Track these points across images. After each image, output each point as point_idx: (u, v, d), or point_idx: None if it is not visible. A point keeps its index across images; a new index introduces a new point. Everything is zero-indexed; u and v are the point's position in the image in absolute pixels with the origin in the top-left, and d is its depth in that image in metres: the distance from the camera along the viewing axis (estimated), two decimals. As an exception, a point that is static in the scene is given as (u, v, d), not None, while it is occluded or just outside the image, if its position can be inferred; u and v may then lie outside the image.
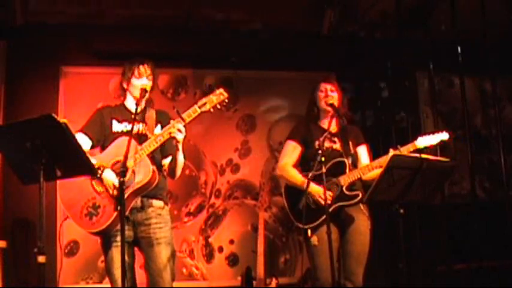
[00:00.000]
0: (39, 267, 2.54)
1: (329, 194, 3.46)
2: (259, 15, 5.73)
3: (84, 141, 3.19)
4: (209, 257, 5.62)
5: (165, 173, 3.33)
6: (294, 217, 3.61)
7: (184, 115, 3.13)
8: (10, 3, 5.19)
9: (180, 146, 3.18)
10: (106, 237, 3.15)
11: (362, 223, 3.62)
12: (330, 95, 3.71)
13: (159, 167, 3.27)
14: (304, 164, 3.69)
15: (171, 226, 3.31)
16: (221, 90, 3.20)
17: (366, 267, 3.58)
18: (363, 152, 3.77)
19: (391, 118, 5.65)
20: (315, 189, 3.47)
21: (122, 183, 2.85)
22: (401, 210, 3.25)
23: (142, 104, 3.34)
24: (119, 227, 2.89)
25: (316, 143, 3.56)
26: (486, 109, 6.27)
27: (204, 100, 3.18)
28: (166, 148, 3.25)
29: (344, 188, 3.55)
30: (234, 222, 5.73)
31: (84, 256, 5.28)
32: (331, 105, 3.65)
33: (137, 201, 3.16)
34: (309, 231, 3.52)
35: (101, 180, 3.10)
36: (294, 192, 3.61)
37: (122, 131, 3.28)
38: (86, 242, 5.14)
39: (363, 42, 5.93)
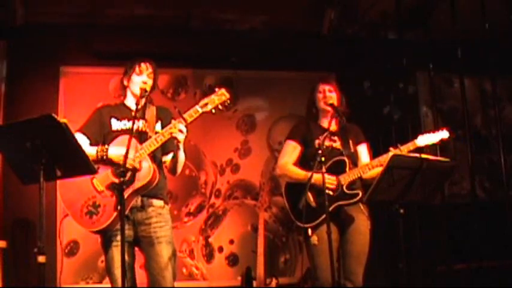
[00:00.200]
0: (39, 267, 2.54)
1: (333, 178, 3.46)
2: (259, 15, 5.73)
3: (83, 141, 3.18)
4: (209, 257, 5.62)
5: (166, 170, 3.33)
6: (294, 216, 3.61)
7: (185, 115, 3.13)
8: (10, 3, 5.19)
9: (181, 146, 3.18)
10: (106, 237, 3.15)
11: (362, 223, 3.62)
12: (328, 95, 3.71)
13: (160, 165, 3.28)
14: (304, 164, 3.68)
15: (171, 226, 3.31)
16: (223, 90, 3.19)
17: (365, 267, 3.58)
18: (363, 150, 3.78)
19: (391, 118, 5.65)
20: (319, 178, 3.39)
21: (121, 183, 2.85)
22: (401, 210, 3.26)
23: (142, 101, 3.33)
24: (119, 226, 2.89)
25: (317, 142, 3.56)
26: (486, 109, 6.27)
27: (205, 100, 3.17)
28: (167, 145, 3.24)
29: (344, 187, 3.55)
30: (234, 222, 5.74)
31: (84, 256, 5.28)
32: (331, 104, 3.65)
33: (137, 201, 3.16)
34: (309, 231, 3.52)
35: (108, 162, 3.09)
36: (295, 192, 3.61)
37: (122, 129, 3.28)
38: (86, 241, 5.14)
39: (363, 42, 5.93)
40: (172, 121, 3.14)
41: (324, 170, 3.30)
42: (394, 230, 3.38)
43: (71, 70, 5.57)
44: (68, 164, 2.68)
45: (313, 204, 3.55)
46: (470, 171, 5.11)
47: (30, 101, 5.24)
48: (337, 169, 3.58)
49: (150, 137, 3.17)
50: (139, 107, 3.26)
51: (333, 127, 3.68)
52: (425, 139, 3.59)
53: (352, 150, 3.70)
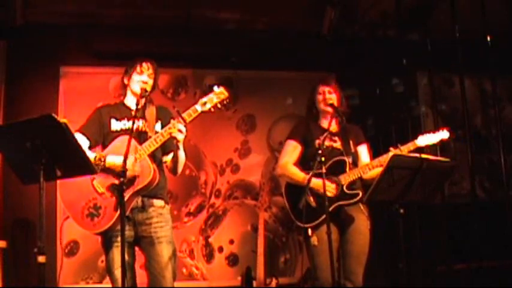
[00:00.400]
0: (39, 267, 2.54)
1: (332, 186, 3.47)
2: (259, 15, 5.73)
3: (82, 141, 3.18)
4: (209, 257, 5.62)
5: (166, 170, 3.33)
6: (294, 216, 3.62)
7: (184, 115, 3.13)
8: (10, 3, 5.19)
9: (180, 146, 3.18)
10: (107, 237, 3.15)
11: (362, 223, 3.63)
12: (328, 97, 3.72)
13: (160, 165, 3.28)
14: (304, 164, 3.69)
15: (171, 226, 3.31)
16: (221, 89, 3.19)
17: (366, 267, 3.58)
18: (363, 151, 3.78)
19: (391, 118, 5.65)
20: (318, 183, 3.44)
21: (122, 183, 2.85)
22: (401, 210, 3.26)
23: (142, 101, 3.33)
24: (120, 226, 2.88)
25: (317, 141, 3.57)
26: (486, 109, 6.27)
27: (204, 99, 3.17)
28: (167, 145, 3.24)
29: (344, 187, 3.55)
30: (234, 222, 5.73)
31: (84, 256, 5.28)
32: (331, 105, 3.66)
33: (138, 201, 3.16)
34: (309, 230, 3.52)
35: (106, 169, 3.08)
36: (295, 192, 3.61)
37: (121, 129, 3.28)
38: (86, 242, 5.14)
39: (363, 42, 5.92)
40: (172, 121, 3.14)
41: (323, 170, 3.30)
42: (394, 230, 3.39)
43: (71, 70, 5.57)
44: (68, 164, 2.68)
45: (313, 204, 3.55)
46: (470, 171, 5.10)
47: (30, 101, 5.24)
48: (337, 169, 3.58)
49: (150, 137, 3.17)
50: (139, 106, 3.26)
51: (334, 127, 3.69)
52: (425, 139, 3.60)
53: (353, 150, 3.71)
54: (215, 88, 3.20)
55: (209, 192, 5.74)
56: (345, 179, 3.57)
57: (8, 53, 5.40)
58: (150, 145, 3.12)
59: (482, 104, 6.29)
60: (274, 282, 4.98)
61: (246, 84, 5.91)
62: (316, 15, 5.72)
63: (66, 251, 5.23)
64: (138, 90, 3.27)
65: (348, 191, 3.55)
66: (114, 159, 3.08)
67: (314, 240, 3.52)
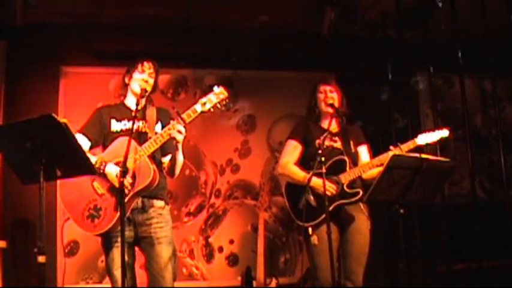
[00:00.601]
0: (39, 267, 2.54)
1: (332, 187, 3.47)
2: (259, 15, 5.73)
3: (83, 142, 3.18)
4: (209, 257, 5.62)
5: (164, 171, 3.33)
6: (295, 216, 3.62)
7: (184, 115, 3.13)
8: (10, 3, 5.19)
9: (179, 146, 3.17)
10: (107, 238, 3.15)
11: (362, 223, 3.63)
12: (329, 96, 3.73)
13: (159, 165, 3.27)
14: (304, 164, 3.69)
15: (171, 226, 3.31)
16: (221, 89, 3.19)
17: (366, 267, 3.58)
18: (363, 151, 3.79)
19: (391, 118, 5.65)
20: (318, 182, 3.45)
21: (122, 184, 2.85)
22: (401, 210, 3.26)
23: (143, 101, 3.34)
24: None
25: (317, 141, 3.57)
26: (486, 109, 6.27)
27: (203, 100, 3.16)
28: (166, 146, 3.23)
29: (345, 186, 3.56)
30: (234, 222, 5.73)
31: (84, 256, 5.28)
32: (331, 105, 3.66)
33: (138, 202, 3.16)
34: (310, 229, 3.52)
35: (104, 176, 3.09)
36: (295, 191, 3.62)
37: (121, 130, 3.28)
38: (86, 242, 5.14)
39: (363, 42, 5.92)
40: (171, 122, 3.14)
41: (324, 170, 3.30)
42: (394, 230, 3.38)
43: (71, 70, 5.58)
44: (68, 164, 2.68)
45: (313, 203, 3.56)
46: (470, 171, 5.10)
47: (30, 101, 5.24)
48: (337, 169, 3.58)
49: (150, 137, 3.17)
50: (139, 107, 3.26)
51: (334, 128, 3.69)
52: (425, 138, 3.60)
53: (353, 150, 3.71)
54: (215, 88, 3.19)
55: (209, 192, 5.74)
56: (345, 177, 3.57)
57: (8, 53, 5.40)
58: (150, 146, 3.12)
59: (482, 104, 6.30)
60: (274, 282, 4.98)
61: (246, 84, 5.91)
62: (316, 15, 5.72)
63: (66, 251, 5.23)
64: (138, 90, 3.27)
65: (348, 190, 3.56)
66: (113, 170, 3.07)
67: (314, 239, 3.52)
